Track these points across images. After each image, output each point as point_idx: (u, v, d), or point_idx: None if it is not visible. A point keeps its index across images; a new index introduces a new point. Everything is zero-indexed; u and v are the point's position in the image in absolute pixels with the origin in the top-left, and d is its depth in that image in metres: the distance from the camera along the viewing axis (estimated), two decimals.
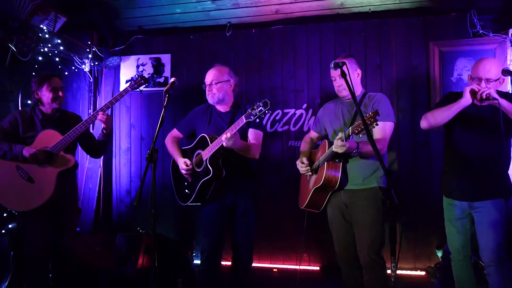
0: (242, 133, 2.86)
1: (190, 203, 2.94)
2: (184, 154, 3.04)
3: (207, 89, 2.98)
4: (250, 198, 2.99)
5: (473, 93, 2.50)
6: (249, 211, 2.96)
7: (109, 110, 3.54)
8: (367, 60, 3.99)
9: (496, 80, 2.56)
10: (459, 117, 2.65)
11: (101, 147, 3.24)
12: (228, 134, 2.63)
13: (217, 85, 2.95)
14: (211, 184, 2.84)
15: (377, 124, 2.30)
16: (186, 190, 2.97)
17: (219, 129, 2.91)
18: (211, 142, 2.81)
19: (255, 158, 2.94)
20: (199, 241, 3.93)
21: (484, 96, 2.45)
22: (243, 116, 2.64)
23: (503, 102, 2.45)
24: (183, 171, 2.94)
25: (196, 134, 3.07)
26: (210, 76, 2.98)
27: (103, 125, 3.11)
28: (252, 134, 2.95)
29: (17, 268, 3.33)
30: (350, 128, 2.40)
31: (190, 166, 2.92)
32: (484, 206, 2.59)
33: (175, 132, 3.19)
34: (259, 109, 2.55)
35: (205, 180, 2.80)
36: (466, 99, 2.52)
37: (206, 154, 2.83)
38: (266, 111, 2.55)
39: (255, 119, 2.60)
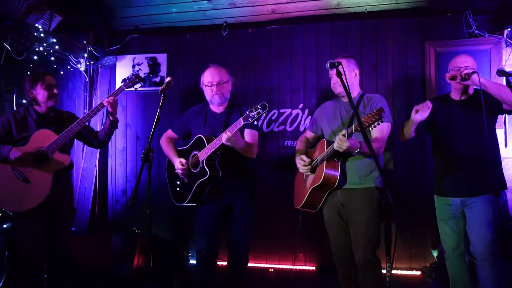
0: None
1: (186, 203, 2.93)
2: (180, 155, 3.03)
3: (214, 89, 2.94)
4: (247, 198, 2.98)
5: (453, 78, 2.62)
6: (246, 211, 2.96)
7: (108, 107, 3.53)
8: (363, 60, 3.99)
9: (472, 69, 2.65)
10: (443, 116, 2.75)
11: (107, 138, 3.19)
12: (228, 133, 2.63)
13: (222, 85, 2.95)
14: (207, 185, 2.84)
15: (382, 121, 2.30)
16: (182, 191, 2.96)
17: (214, 130, 2.92)
18: (208, 143, 2.80)
19: (252, 158, 2.94)
20: (195, 241, 3.92)
21: (463, 75, 2.55)
22: (241, 118, 2.65)
23: (484, 80, 2.53)
24: (179, 171, 2.93)
25: (191, 135, 3.06)
26: (215, 76, 2.95)
27: (109, 110, 3.06)
28: (248, 134, 2.95)
29: (12, 268, 3.30)
30: (353, 125, 2.41)
31: (186, 166, 2.91)
32: (475, 201, 2.63)
33: (169, 133, 3.18)
34: (257, 111, 2.56)
35: (201, 181, 2.80)
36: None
37: (202, 155, 2.82)
38: (264, 113, 2.56)
39: (253, 121, 2.61)
